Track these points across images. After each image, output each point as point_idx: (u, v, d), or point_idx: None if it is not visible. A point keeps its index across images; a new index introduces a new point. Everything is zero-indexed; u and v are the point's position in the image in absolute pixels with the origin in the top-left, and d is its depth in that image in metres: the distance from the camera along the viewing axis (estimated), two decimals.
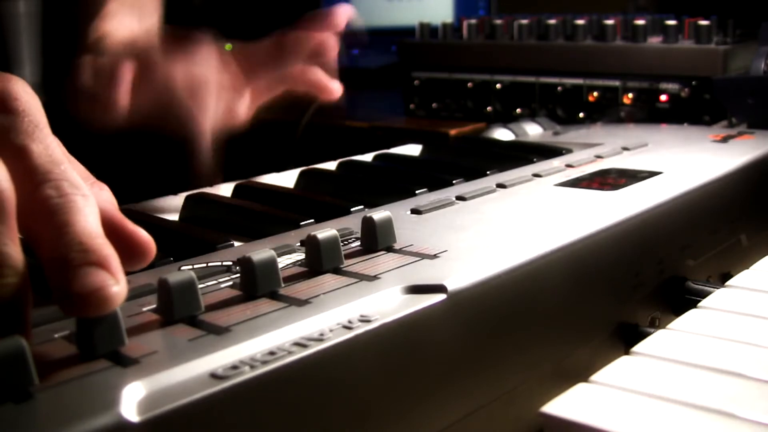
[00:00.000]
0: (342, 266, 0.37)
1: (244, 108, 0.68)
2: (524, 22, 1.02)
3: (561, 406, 0.34)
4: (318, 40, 0.68)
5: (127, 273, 0.31)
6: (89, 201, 0.32)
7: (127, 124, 0.64)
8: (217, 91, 0.66)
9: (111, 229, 0.34)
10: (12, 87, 0.35)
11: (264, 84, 0.68)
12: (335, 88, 0.70)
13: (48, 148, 0.33)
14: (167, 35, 0.69)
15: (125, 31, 0.73)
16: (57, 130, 0.37)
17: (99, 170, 0.39)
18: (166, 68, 0.63)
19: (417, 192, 0.53)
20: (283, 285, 0.35)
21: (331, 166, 0.67)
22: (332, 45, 0.68)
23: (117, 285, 0.29)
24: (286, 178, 0.65)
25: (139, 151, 0.67)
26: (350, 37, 0.68)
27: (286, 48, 0.67)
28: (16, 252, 0.29)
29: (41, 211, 0.31)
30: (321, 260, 0.37)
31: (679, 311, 0.45)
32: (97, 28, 0.72)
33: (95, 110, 0.63)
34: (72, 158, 0.37)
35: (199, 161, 0.60)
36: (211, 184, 0.60)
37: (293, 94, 0.70)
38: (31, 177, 0.32)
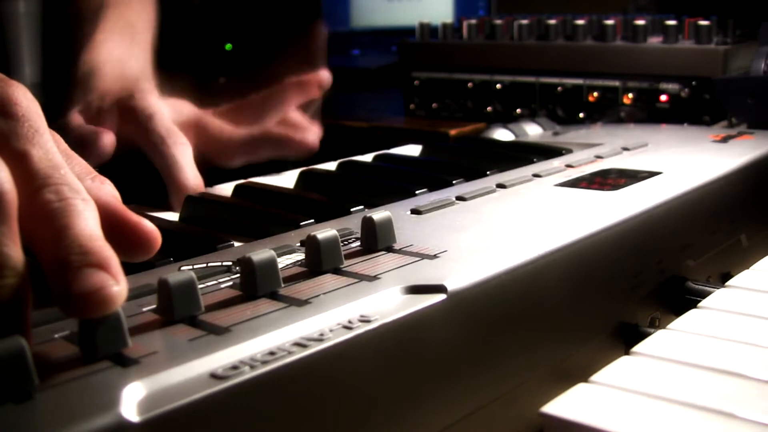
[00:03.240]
0: (342, 266, 0.37)
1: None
2: (524, 22, 1.02)
3: (561, 406, 0.34)
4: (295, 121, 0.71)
5: (130, 270, 0.31)
6: (89, 205, 0.32)
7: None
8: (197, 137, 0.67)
9: (114, 221, 0.34)
10: (12, 92, 0.35)
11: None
12: (311, 141, 0.70)
13: (48, 152, 0.33)
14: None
15: (114, 60, 0.73)
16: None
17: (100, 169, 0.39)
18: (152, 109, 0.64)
19: (417, 192, 0.53)
20: (283, 285, 0.35)
21: (331, 166, 0.67)
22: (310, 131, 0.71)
23: (117, 285, 0.29)
24: (286, 178, 0.65)
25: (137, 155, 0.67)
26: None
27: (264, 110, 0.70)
28: (16, 253, 0.29)
29: (41, 215, 0.31)
30: (321, 260, 0.37)
31: (679, 311, 0.45)
32: (87, 59, 0.72)
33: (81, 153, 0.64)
34: (73, 153, 0.37)
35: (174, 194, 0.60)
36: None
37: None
38: (31, 181, 0.32)
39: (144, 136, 0.62)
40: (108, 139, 0.62)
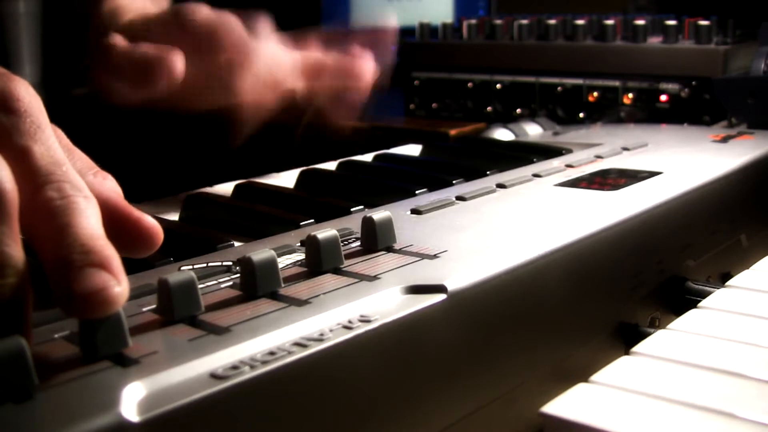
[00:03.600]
0: (342, 266, 0.37)
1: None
2: (524, 22, 1.02)
3: (561, 406, 0.34)
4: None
5: (130, 270, 0.31)
6: (91, 203, 0.32)
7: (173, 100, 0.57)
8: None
9: (116, 217, 0.34)
10: (14, 88, 0.35)
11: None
12: (367, 72, 0.62)
13: (50, 149, 0.33)
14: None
15: (138, 5, 0.70)
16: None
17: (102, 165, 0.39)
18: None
19: (417, 192, 0.53)
20: (283, 285, 0.35)
21: (331, 166, 0.67)
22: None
23: (119, 286, 0.29)
24: (286, 178, 0.65)
25: (143, 148, 0.66)
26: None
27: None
28: (17, 252, 0.29)
29: (43, 213, 0.31)
30: (321, 260, 0.37)
31: (679, 311, 0.45)
32: (107, 3, 0.69)
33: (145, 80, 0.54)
34: (75, 149, 0.37)
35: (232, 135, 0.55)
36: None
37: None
38: (33, 178, 0.32)
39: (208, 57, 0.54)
40: (180, 61, 0.53)
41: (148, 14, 0.61)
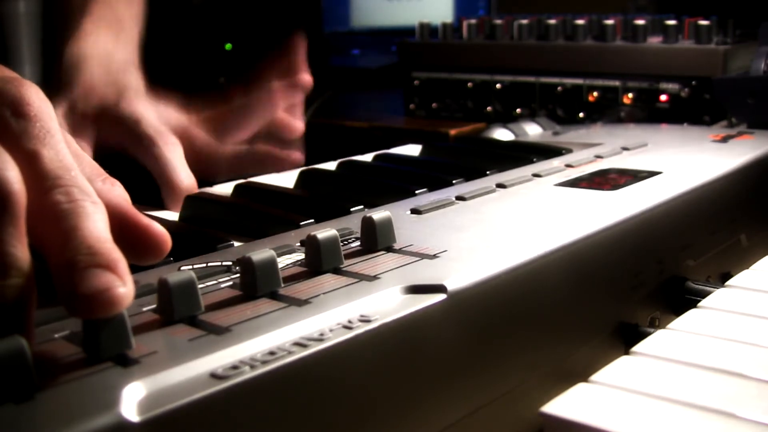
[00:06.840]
0: (342, 266, 0.37)
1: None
2: (524, 22, 1.02)
3: (561, 406, 0.34)
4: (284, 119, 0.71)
5: (131, 270, 0.31)
6: (98, 207, 0.32)
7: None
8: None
9: (124, 224, 0.34)
10: (25, 92, 0.35)
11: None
12: (297, 126, 0.71)
13: (59, 153, 0.33)
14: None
15: (101, 52, 0.72)
16: None
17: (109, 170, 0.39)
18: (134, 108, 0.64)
19: (417, 192, 0.53)
20: (283, 285, 0.35)
21: (331, 166, 0.67)
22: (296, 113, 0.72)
23: (124, 287, 0.29)
24: (286, 178, 0.65)
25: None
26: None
27: (252, 110, 0.70)
28: (23, 254, 0.29)
29: (50, 216, 0.31)
30: (321, 260, 0.37)
31: (679, 311, 0.45)
32: (73, 49, 0.72)
33: None
34: (84, 155, 0.37)
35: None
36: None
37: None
38: (41, 182, 0.32)
39: (133, 140, 0.62)
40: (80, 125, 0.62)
41: (90, 93, 0.67)
